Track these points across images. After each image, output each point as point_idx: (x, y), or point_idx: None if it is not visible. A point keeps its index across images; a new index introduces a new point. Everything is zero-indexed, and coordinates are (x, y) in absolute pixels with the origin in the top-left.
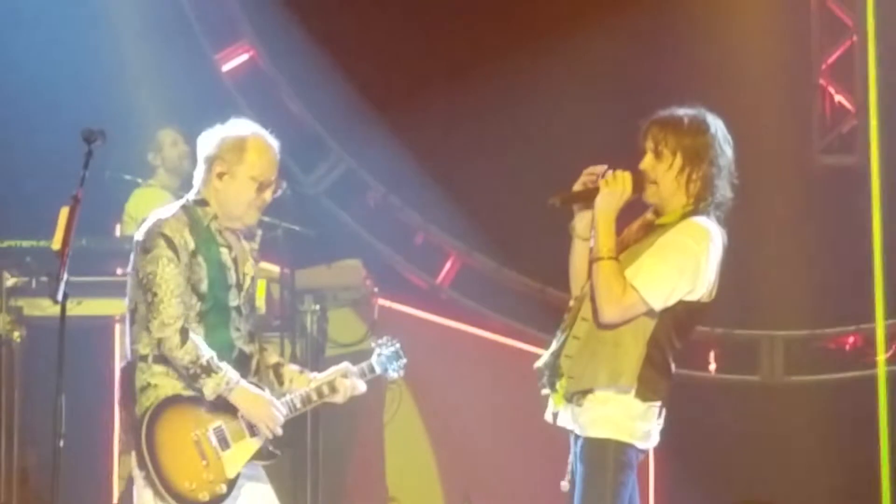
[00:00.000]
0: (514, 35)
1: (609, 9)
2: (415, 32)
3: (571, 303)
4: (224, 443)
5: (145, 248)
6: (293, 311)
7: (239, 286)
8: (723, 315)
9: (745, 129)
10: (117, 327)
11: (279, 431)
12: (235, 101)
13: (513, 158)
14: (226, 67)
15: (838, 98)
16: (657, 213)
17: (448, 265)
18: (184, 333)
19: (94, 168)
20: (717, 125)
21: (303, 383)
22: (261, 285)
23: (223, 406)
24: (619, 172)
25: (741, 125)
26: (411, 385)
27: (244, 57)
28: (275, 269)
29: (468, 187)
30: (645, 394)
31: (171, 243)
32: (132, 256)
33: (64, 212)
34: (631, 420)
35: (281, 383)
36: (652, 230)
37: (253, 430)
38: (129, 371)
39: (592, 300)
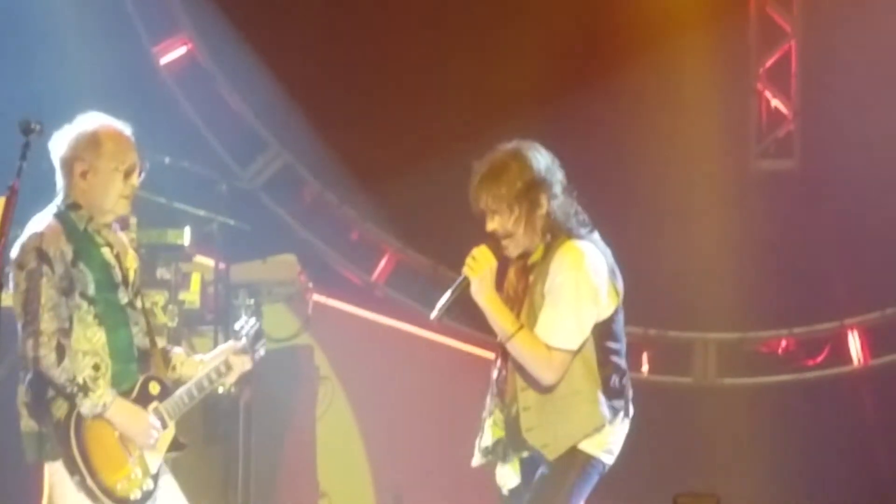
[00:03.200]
0: (449, 31)
1: (553, 16)
2: (352, 28)
3: (494, 376)
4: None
5: (20, 264)
6: (227, 305)
7: (125, 282)
8: (656, 316)
9: (683, 132)
10: None
11: (150, 444)
12: (173, 94)
13: (449, 156)
14: (164, 60)
15: (775, 102)
16: (525, 255)
17: (383, 262)
18: (60, 350)
19: (32, 159)
20: (536, 154)
21: (192, 367)
22: (195, 279)
23: (135, 402)
24: (475, 252)
25: (679, 128)
26: (344, 381)
27: (182, 50)
28: (209, 262)
29: (404, 185)
30: (616, 410)
31: (44, 256)
32: (11, 273)
33: (0, 202)
34: (602, 436)
35: (171, 369)
36: (529, 271)
37: (164, 423)
38: (35, 382)
39: (521, 370)
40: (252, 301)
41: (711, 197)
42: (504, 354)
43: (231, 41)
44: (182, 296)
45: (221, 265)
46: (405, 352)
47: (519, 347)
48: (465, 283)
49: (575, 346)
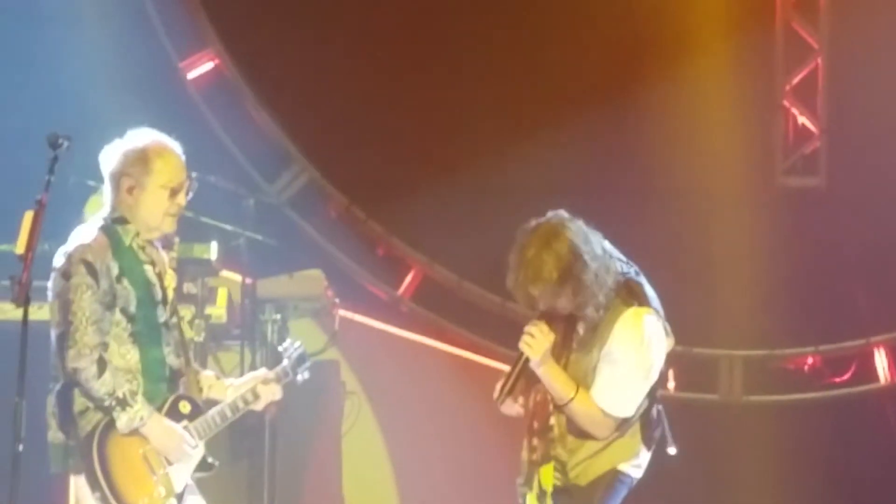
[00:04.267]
0: (478, 47)
1: (580, 31)
2: (378, 43)
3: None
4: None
5: (66, 274)
6: (254, 320)
7: (164, 301)
8: (682, 333)
9: (709, 148)
10: None
11: (179, 459)
12: (200, 109)
13: (476, 171)
14: (191, 75)
15: (802, 119)
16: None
17: (409, 277)
18: (101, 364)
19: (60, 173)
20: (565, 235)
21: (220, 390)
22: (222, 293)
23: None
24: (532, 329)
25: (705, 144)
26: (370, 396)
27: (209, 65)
28: (236, 277)
29: (430, 200)
30: (653, 439)
31: (91, 269)
32: (52, 282)
33: (28, 216)
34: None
35: (199, 391)
36: (579, 323)
37: (195, 442)
38: (65, 394)
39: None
40: (279, 316)
41: (738, 213)
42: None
43: (258, 57)
44: (208, 310)
45: (248, 280)
46: (431, 367)
47: (575, 410)
48: (525, 361)
49: (630, 415)
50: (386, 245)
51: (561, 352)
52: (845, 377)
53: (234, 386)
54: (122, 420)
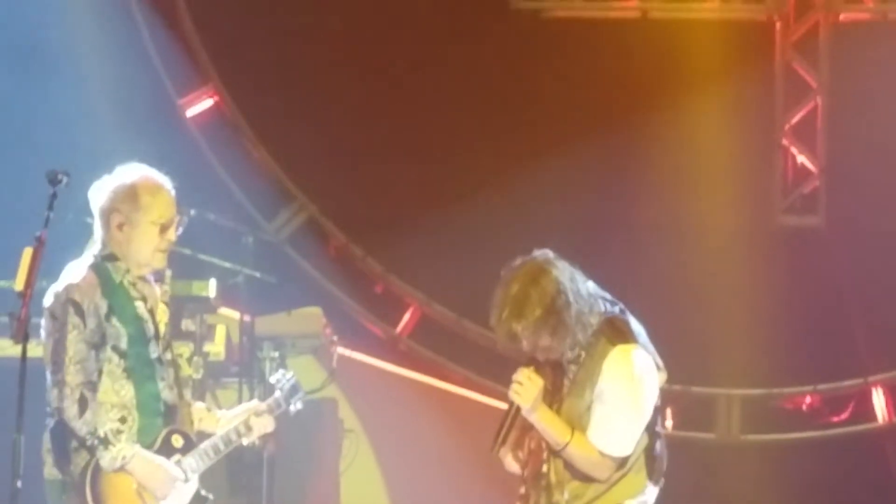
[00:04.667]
0: (474, 84)
1: (579, 69)
2: (377, 82)
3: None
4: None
5: (53, 314)
6: (252, 357)
7: (157, 336)
8: (680, 372)
9: (708, 186)
10: None
11: (167, 495)
12: (199, 146)
13: (474, 210)
14: (190, 112)
15: (801, 158)
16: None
17: (407, 316)
18: (82, 403)
19: (59, 210)
20: (552, 270)
21: (212, 422)
22: (220, 331)
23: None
24: (520, 377)
25: (704, 183)
26: (369, 434)
27: (209, 102)
28: (235, 315)
29: (429, 238)
30: (659, 473)
31: (78, 309)
32: (43, 321)
33: (27, 253)
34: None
35: (191, 423)
36: (568, 366)
37: (185, 476)
38: (59, 430)
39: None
40: (277, 354)
41: (736, 252)
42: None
43: (257, 94)
44: (207, 347)
45: (246, 317)
46: (429, 405)
47: (572, 454)
48: (516, 410)
49: (628, 453)
50: (384, 283)
51: (553, 397)
52: (843, 416)
53: (225, 418)
54: (105, 459)
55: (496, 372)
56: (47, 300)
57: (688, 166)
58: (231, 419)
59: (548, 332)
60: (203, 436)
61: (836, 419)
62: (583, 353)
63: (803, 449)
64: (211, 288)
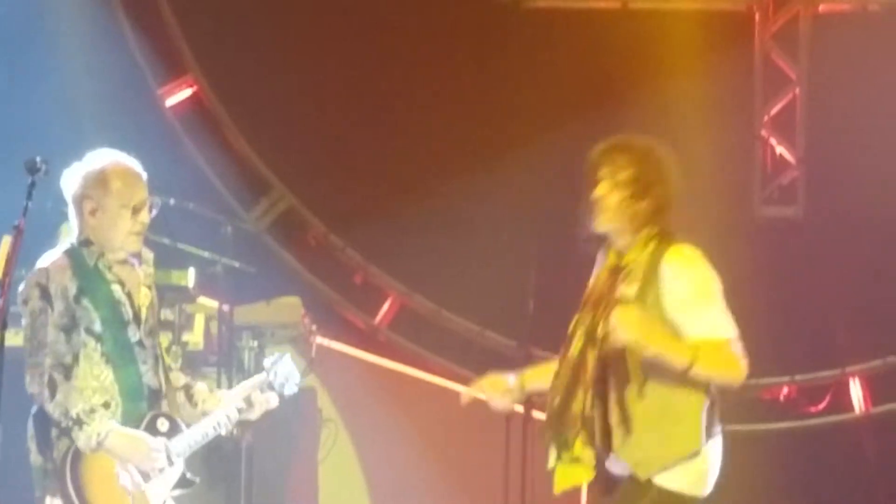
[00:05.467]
0: (452, 76)
1: (557, 61)
2: (358, 73)
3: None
4: (146, 475)
5: (24, 300)
6: (231, 347)
7: (137, 320)
8: None
9: (686, 178)
10: None
11: (161, 465)
12: (178, 135)
13: (454, 200)
14: (169, 102)
15: (780, 149)
16: (617, 254)
17: (387, 306)
18: (52, 386)
19: (37, 199)
20: (666, 151)
21: (214, 402)
22: (199, 320)
23: None
24: (616, 315)
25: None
26: (347, 424)
27: (188, 92)
28: (213, 304)
29: (409, 228)
30: (711, 434)
31: (45, 293)
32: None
33: (6, 241)
34: (706, 470)
35: (193, 405)
36: (625, 272)
37: (170, 460)
38: (41, 417)
39: (610, 385)
40: (256, 343)
41: (714, 243)
42: (568, 384)
43: (236, 83)
44: (185, 337)
45: (225, 307)
46: (409, 395)
47: (704, 363)
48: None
49: (733, 331)
50: (364, 273)
51: (605, 304)
52: (821, 407)
53: (227, 398)
54: (81, 439)
55: (476, 363)
56: (20, 287)
57: None
58: (231, 400)
59: (632, 190)
60: (202, 417)
61: (813, 410)
62: (640, 252)
63: (781, 439)
64: (190, 277)
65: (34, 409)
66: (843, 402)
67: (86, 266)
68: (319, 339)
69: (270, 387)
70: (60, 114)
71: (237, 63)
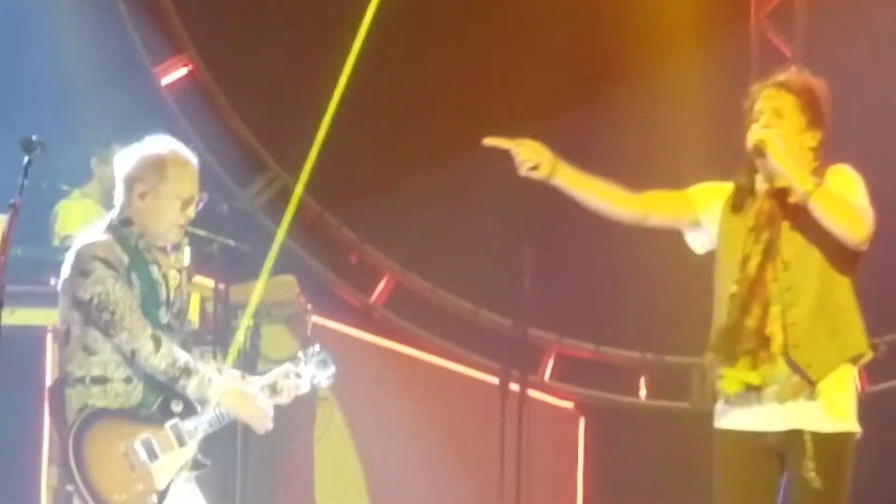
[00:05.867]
0: (449, 54)
1: (553, 37)
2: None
3: (735, 288)
4: (152, 454)
5: (83, 271)
6: (226, 325)
7: (168, 303)
8: (654, 341)
9: (683, 157)
10: (49, 337)
11: (269, 425)
12: (174, 114)
13: (450, 179)
14: (165, 81)
15: None
16: (778, 195)
17: (382, 285)
18: (156, 340)
19: (33, 177)
20: (826, 89)
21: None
22: (194, 299)
23: (151, 418)
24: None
25: (679, 154)
26: (342, 403)
27: (183, 71)
28: (209, 283)
29: (404, 207)
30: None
31: (108, 264)
32: (65, 278)
33: (1, 220)
34: (854, 402)
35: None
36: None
37: (181, 441)
38: (58, 390)
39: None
40: (251, 322)
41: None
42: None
43: (232, 62)
44: None
45: (221, 286)
46: (404, 374)
47: (824, 202)
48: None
49: (869, 212)
50: (359, 252)
51: (770, 230)
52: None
53: (255, 384)
54: (192, 385)
55: (470, 341)
56: (69, 261)
57: (661, 136)
58: (256, 384)
59: (797, 125)
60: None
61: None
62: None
63: None
64: (185, 256)
65: (52, 381)
66: None
67: (129, 244)
68: (315, 318)
69: (298, 376)
70: (56, 92)
71: (233, 42)
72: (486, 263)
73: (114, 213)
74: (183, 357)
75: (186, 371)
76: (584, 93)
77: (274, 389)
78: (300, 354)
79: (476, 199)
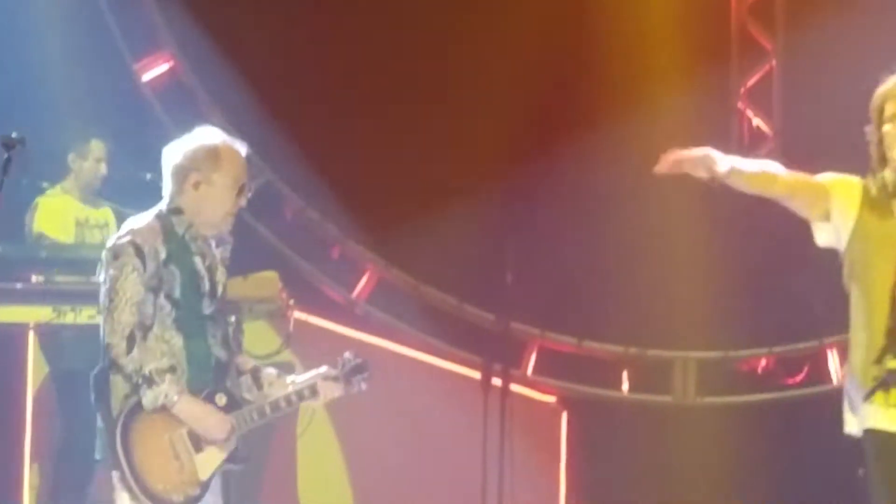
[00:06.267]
0: (430, 55)
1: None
2: (335, 46)
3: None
4: (197, 445)
5: (115, 253)
6: None
7: (212, 294)
8: (636, 335)
9: (663, 150)
10: (31, 335)
11: (222, 438)
12: (155, 110)
13: (432, 175)
14: (146, 77)
15: (756, 121)
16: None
17: (364, 280)
18: (130, 341)
19: (13, 174)
20: None
21: (281, 386)
22: None
23: None
24: None
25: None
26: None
27: (164, 67)
28: None
29: (386, 202)
30: None
31: (139, 251)
32: (103, 263)
33: None
34: None
35: (259, 387)
36: None
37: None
38: (103, 376)
39: None
40: (233, 318)
41: (692, 215)
42: None
43: (213, 58)
44: None
45: None
46: (387, 369)
47: None
48: None
49: None
50: (341, 247)
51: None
52: (798, 378)
53: (294, 383)
54: (148, 397)
55: (454, 336)
56: (110, 241)
57: (643, 131)
58: (297, 383)
59: None
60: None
61: (791, 381)
62: None
63: (759, 411)
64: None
65: (96, 369)
66: (821, 374)
67: (175, 234)
68: (297, 314)
69: (336, 379)
70: (37, 88)
71: (214, 38)
72: (468, 258)
73: (162, 204)
74: (150, 366)
75: (148, 381)
76: (564, 89)
77: (314, 390)
78: (340, 358)
79: (458, 193)
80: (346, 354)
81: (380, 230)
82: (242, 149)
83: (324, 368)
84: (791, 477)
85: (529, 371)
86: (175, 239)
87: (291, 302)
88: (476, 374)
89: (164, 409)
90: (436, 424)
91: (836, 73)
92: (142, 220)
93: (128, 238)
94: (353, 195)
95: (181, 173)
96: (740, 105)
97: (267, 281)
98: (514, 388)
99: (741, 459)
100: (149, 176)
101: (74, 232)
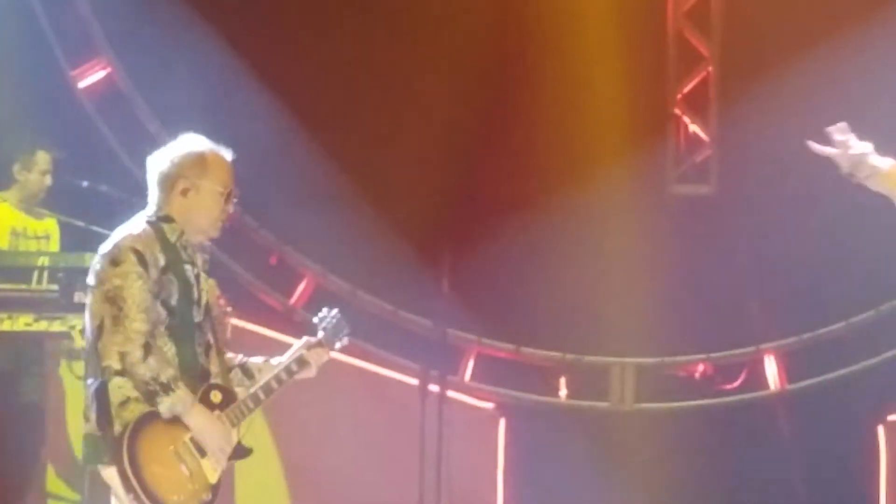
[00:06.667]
0: (374, 57)
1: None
2: (268, 55)
3: None
4: (201, 450)
5: (114, 260)
6: None
7: (199, 302)
8: (574, 341)
9: (600, 156)
10: None
11: (224, 458)
12: (92, 117)
13: (368, 180)
14: (82, 84)
15: (693, 128)
16: None
17: (302, 286)
18: (147, 348)
19: None
20: None
21: (270, 371)
22: None
23: None
24: None
25: (596, 153)
26: (263, 404)
27: (101, 74)
28: None
29: (323, 209)
30: None
31: (142, 259)
32: (96, 269)
33: None
34: None
35: (250, 377)
36: None
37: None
38: (103, 390)
39: None
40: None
41: (629, 221)
42: None
43: (150, 64)
44: None
45: None
46: (323, 375)
47: None
48: None
49: None
50: (279, 254)
51: None
52: (736, 384)
53: (281, 362)
54: (165, 404)
55: (390, 343)
56: (105, 247)
57: (579, 137)
58: (280, 364)
59: None
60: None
61: (728, 387)
62: None
63: (697, 417)
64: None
65: (95, 384)
66: (758, 380)
67: (168, 241)
68: (235, 321)
69: (321, 344)
70: None
71: (151, 44)
72: (405, 265)
73: (149, 211)
74: (167, 374)
75: (165, 388)
76: (497, 94)
77: (302, 361)
78: (314, 320)
79: (395, 200)
80: (322, 312)
81: (317, 237)
82: (228, 155)
83: (304, 339)
84: (728, 481)
85: (467, 377)
86: (169, 246)
87: (229, 309)
88: (414, 381)
89: (173, 419)
90: (374, 431)
91: (771, 79)
92: (135, 227)
93: (127, 244)
94: (291, 201)
95: (168, 181)
96: (677, 111)
97: None
98: (452, 394)
99: (679, 465)
100: (85, 183)
101: (9, 241)
